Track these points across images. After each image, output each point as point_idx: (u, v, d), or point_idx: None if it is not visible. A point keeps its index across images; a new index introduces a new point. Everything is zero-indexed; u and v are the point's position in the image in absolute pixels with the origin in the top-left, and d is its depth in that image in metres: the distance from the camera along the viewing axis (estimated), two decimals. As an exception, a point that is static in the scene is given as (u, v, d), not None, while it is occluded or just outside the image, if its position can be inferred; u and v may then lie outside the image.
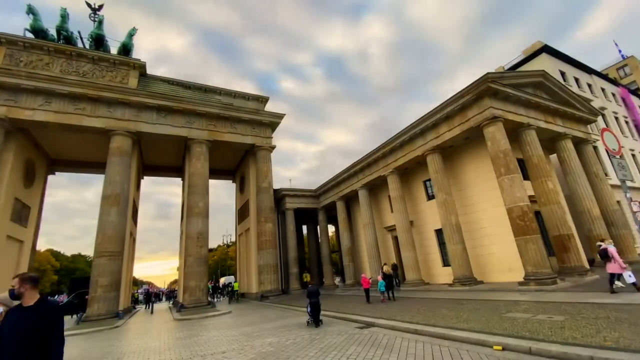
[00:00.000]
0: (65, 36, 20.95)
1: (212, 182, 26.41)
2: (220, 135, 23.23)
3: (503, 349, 5.47)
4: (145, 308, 27.33)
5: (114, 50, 22.46)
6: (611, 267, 9.37)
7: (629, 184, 9.24)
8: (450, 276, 15.90)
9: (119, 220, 18.52)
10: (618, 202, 18.66)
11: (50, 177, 25.51)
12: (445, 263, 17.79)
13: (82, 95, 19.07)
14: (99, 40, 21.95)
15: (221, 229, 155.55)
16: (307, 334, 8.85)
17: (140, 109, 20.74)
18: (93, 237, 18.33)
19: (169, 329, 13.46)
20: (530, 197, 13.82)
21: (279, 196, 27.72)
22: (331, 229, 39.49)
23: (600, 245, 10.20)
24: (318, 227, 31.55)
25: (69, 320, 20.56)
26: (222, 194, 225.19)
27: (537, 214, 14.98)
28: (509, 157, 13.36)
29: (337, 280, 33.15)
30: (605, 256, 9.54)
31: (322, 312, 10.46)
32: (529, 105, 15.21)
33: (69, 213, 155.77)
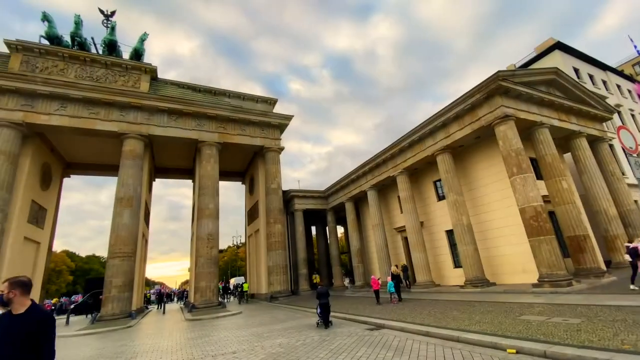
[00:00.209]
0: (79, 42, 21.52)
1: (222, 183, 26.73)
2: (230, 138, 23.46)
3: (517, 352, 5.35)
4: (158, 308, 27.74)
5: (126, 55, 22.99)
6: None
7: (647, 183, 8.96)
8: (461, 278, 15.69)
9: (132, 222, 18.87)
10: (635, 201, 18.15)
11: (65, 180, 26.18)
12: (457, 264, 17.55)
13: (96, 99, 19.54)
14: (111, 46, 22.47)
15: (231, 230, 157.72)
16: (316, 335, 8.84)
17: (152, 112, 21.12)
18: (107, 238, 18.78)
19: (181, 329, 13.63)
20: (543, 197, 13.53)
21: (288, 197, 27.82)
22: (340, 230, 39.43)
23: (629, 246, 10.05)
24: (327, 228, 31.54)
25: (83, 320, 21.05)
26: (232, 195, 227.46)
27: (551, 214, 14.67)
28: (521, 156, 13.12)
29: (347, 281, 33.04)
30: (636, 255, 9.38)
31: (331, 314, 10.44)
32: (541, 103, 14.91)
33: (84, 215, 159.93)
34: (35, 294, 20.87)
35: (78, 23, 21.73)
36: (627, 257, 10.13)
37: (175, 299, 43.74)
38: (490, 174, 16.24)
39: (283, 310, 16.46)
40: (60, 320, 23.95)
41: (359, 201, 26.54)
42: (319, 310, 10.07)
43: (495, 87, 13.28)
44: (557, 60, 23.85)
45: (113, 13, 23.83)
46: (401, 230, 21.66)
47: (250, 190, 30.35)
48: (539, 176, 14.98)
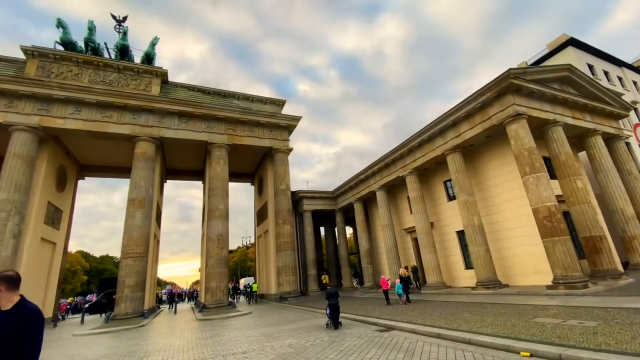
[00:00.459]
0: (92, 47, 22.03)
1: (231, 185, 26.98)
2: (239, 139, 23.67)
3: (531, 356, 5.24)
4: (169, 308, 28.14)
5: (137, 59, 23.43)
6: None
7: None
8: (473, 279, 15.46)
9: (144, 223, 19.20)
10: (655, 201, 17.54)
11: (80, 182, 26.81)
12: (468, 265, 17.31)
13: (109, 103, 19.97)
14: (124, 50, 22.95)
15: (241, 230, 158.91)
16: (326, 336, 8.83)
17: (163, 115, 21.48)
18: (119, 239, 19.13)
19: (192, 328, 13.79)
20: (558, 196, 13.23)
21: (297, 198, 27.89)
22: (349, 230, 39.33)
23: None
24: (335, 228, 31.50)
25: (98, 319, 21.49)
26: (241, 196, 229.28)
27: (566, 214, 14.34)
28: (534, 155, 12.87)
29: (356, 282, 32.92)
30: None
31: (341, 314, 10.41)
32: (555, 101, 14.60)
33: (97, 216, 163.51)
34: (52, 293, 21.45)
35: (91, 29, 22.25)
36: None
37: (186, 299, 44.30)
38: (502, 173, 15.98)
39: (292, 311, 16.49)
40: (75, 319, 24.54)
41: (368, 202, 26.43)
42: (328, 311, 10.05)
43: (507, 85, 13.07)
44: (570, 56, 23.34)
45: (125, 18, 24.35)
46: (411, 230, 21.47)
47: (259, 191, 30.54)
48: (552, 175, 14.67)
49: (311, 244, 27.33)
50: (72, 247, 79.19)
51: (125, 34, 23.50)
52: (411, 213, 20.00)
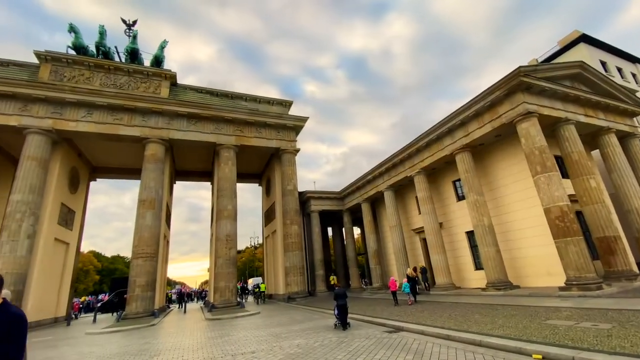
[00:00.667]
0: (103, 51, 22.50)
1: (239, 185, 27.15)
2: (247, 140, 23.83)
3: (543, 358, 5.15)
4: (179, 307, 28.46)
5: (147, 62, 23.80)
6: None
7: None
8: (483, 280, 15.27)
9: (154, 224, 19.47)
10: (672, 200, 17.05)
11: (91, 184, 27.33)
12: (478, 266, 17.10)
13: (120, 106, 20.34)
14: (134, 54, 23.35)
15: (249, 231, 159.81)
16: (334, 336, 8.82)
17: (172, 117, 21.77)
18: (130, 239, 19.46)
19: (201, 328, 13.92)
20: (570, 196, 12.99)
21: (304, 199, 27.94)
22: (356, 231, 39.20)
23: None
24: (343, 229, 31.45)
25: (110, 318, 21.86)
26: (249, 197, 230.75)
27: (579, 214, 14.04)
28: (545, 154, 12.65)
29: (363, 283, 32.81)
30: None
31: (349, 315, 10.38)
32: (566, 99, 14.32)
33: (109, 217, 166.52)
34: (65, 292, 21.93)
35: (102, 33, 22.70)
36: None
37: (195, 298, 44.75)
38: (512, 173, 15.74)
39: (300, 311, 16.51)
40: (88, 318, 25.01)
41: (376, 202, 26.32)
42: (336, 312, 10.04)
43: (517, 84, 12.88)
44: (582, 53, 22.89)
45: (135, 22, 24.75)
46: (419, 231, 21.31)
47: (267, 191, 30.69)
48: (564, 175, 14.41)
49: (319, 245, 27.34)
50: (85, 247, 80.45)
51: (135, 37, 23.89)
52: (419, 213, 19.85)
